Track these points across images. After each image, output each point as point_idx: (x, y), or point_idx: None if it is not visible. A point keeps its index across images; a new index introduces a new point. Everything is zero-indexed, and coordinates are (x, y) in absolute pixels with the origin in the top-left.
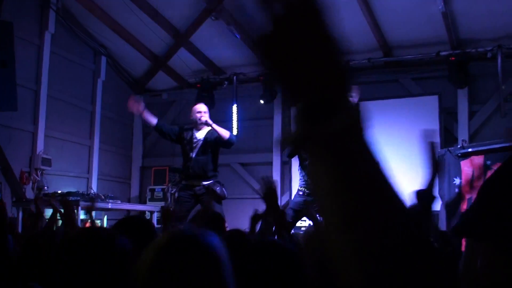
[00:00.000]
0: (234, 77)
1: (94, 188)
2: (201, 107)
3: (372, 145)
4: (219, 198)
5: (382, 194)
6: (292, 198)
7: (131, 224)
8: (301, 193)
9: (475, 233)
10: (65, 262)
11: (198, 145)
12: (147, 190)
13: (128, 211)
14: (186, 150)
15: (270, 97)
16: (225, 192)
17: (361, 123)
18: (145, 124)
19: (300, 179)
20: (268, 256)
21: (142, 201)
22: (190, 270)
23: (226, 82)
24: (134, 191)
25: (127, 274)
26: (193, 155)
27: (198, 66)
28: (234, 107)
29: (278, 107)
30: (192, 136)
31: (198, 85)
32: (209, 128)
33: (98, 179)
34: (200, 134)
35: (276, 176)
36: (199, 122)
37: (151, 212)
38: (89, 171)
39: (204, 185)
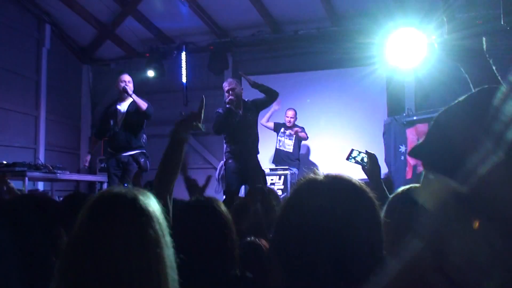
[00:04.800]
0: (184, 46)
1: (41, 159)
2: (125, 77)
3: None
4: (141, 170)
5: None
6: (226, 165)
7: (77, 200)
8: (230, 160)
9: (418, 156)
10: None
11: (122, 118)
12: (97, 161)
13: (77, 181)
14: (108, 126)
15: (220, 68)
16: (149, 164)
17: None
18: (94, 93)
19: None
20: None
21: (92, 171)
22: (121, 224)
23: (175, 51)
24: (84, 162)
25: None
26: (117, 129)
27: (146, 35)
28: (184, 77)
29: (229, 77)
30: (115, 110)
31: (147, 55)
32: (131, 99)
33: (45, 149)
34: (123, 107)
35: None
36: (121, 90)
37: (101, 183)
38: (36, 141)
39: (129, 155)
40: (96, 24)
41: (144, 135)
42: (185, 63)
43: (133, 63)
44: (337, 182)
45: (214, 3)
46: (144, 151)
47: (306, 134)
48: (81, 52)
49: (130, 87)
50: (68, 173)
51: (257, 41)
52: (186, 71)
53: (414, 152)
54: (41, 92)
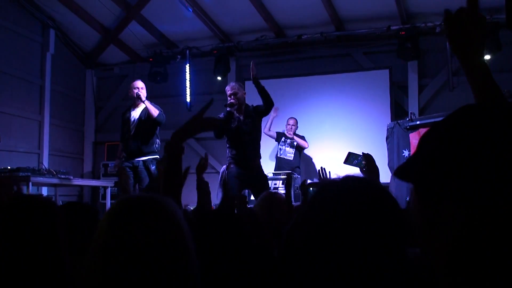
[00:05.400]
0: (187, 51)
1: (45, 164)
2: (138, 83)
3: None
4: (153, 179)
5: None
6: (228, 170)
7: (74, 210)
8: (232, 165)
9: (402, 175)
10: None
11: (134, 125)
12: (101, 166)
13: (81, 186)
14: (124, 131)
15: (224, 72)
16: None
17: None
18: (98, 98)
19: (228, 152)
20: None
21: (95, 176)
22: (148, 230)
23: (179, 56)
24: (87, 167)
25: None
26: (130, 135)
27: (150, 39)
28: (187, 81)
29: (232, 81)
30: (129, 117)
31: (151, 59)
32: (144, 106)
33: (49, 154)
34: (136, 113)
35: None
36: (135, 96)
37: (105, 188)
38: (39, 146)
39: (142, 160)
40: (100, 28)
41: (158, 140)
42: (188, 67)
43: (137, 67)
44: (358, 182)
45: (218, 7)
46: (157, 156)
47: (307, 142)
48: (85, 57)
49: (143, 93)
50: (72, 178)
51: (261, 45)
52: (189, 76)
53: (395, 172)
54: (45, 97)
